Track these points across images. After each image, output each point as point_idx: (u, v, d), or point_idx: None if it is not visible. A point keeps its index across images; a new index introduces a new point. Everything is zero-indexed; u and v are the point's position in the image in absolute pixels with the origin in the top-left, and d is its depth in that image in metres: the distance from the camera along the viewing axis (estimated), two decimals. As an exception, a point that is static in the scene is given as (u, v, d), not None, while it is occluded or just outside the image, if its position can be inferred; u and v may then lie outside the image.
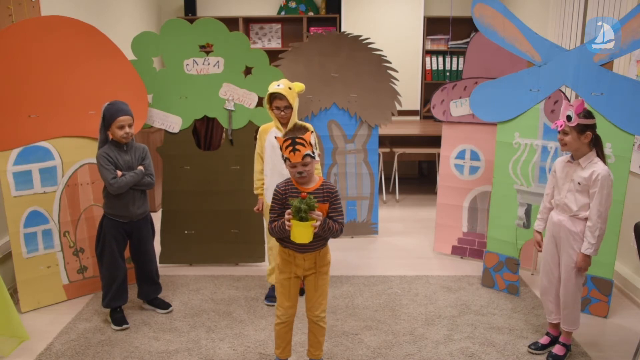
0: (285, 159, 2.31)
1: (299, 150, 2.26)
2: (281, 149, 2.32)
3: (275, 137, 2.35)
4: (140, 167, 3.02)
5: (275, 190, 2.39)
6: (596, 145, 2.57)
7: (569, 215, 2.62)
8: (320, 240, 2.40)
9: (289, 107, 3.08)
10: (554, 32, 4.72)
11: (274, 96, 3.07)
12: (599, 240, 2.54)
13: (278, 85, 3.04)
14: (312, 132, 2.41)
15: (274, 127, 3.15)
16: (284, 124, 3.14)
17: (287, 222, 2.26)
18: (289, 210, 2.26)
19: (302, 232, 2.24)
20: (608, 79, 2.96)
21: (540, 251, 2.82)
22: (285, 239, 2.38)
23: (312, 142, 2.32)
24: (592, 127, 2.54)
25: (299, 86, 3.14)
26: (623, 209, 3.02)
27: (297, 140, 2.26)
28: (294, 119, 3.13)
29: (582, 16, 4.30)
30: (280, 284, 2.46)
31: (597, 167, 2.52)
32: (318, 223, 2.24)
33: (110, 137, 2.97)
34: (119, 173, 2.92)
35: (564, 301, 2.66)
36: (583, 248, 2.55)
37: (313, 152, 2.30)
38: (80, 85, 3.31)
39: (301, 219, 2.22)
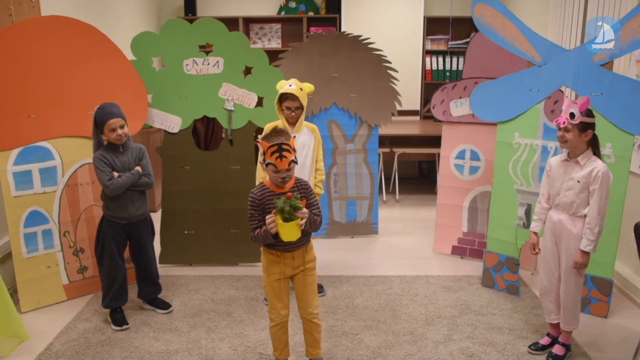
0: (268, 164, 2.27)
1: (286, 157, 2.25)
2: (264, 153, 2.28)
3: (258, 141, 2.33)
4: (137, 168, 3.02)
5: (250, 197, 2.35)
6: (593, 144, 2.58)
7: (569, 214, 2.63)
8: (306, 235, 2.40)
9: (300, 107, 3.10)
10: (554, 32, 4.72)
11: (286, 96, 3.08)
12: (597, 237, 2.54)
13: (290, 86, 3.05)
14: (294, 137, 2.41)
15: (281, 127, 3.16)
16: (292, 124, 3.16)
17: (270, 224, 2.24)
18: (269, 215, 2.25)
19: (289, 231, 2.24)
20: (608, 79, 2.96)
21: (536, 254, 2.81)
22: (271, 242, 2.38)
23: (295, 146, 2.34)
24: (593, 126, 2.55)
25: (308, 87, 3.16)
26: (623, 209, 3.02)
27: (284, 146, 2.25)
28: (302, 119, 3.15)
29: (582, 16, 4.30)
30: (270, 286, 2.45)
31: (597, 164, 2.53)
32: (304, 221, 2.24)
33: (105, 140, 2.97)
34: (115, 174, 2.92)
35: (564, 300, 2.66)
36: (582, 245, 2.56)
37: (295, 157, 2.31)
38: (80, 85, 3.31)
39: (285, 220, 2.22)
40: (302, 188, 2.38)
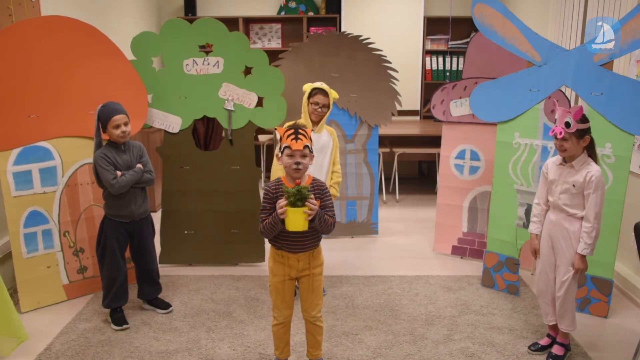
0: (285, 148, 2.30)
1: (301, 140, 2.28)
2: (280, 139, 2.32)
3: (275, 128, 2.39)
4: (139, 165, 3.02)
5: (265, 189, 2.39)
6: (589, 147, 2.58)
7: (567, 215, 2.63)
8: (313, 239, 2.40)
9: (327, 106, 3.18)
10: (554, 32, 4.72)
11: (317, 91, 3.16)
12: (595, 240, 2.55)
13: (321, 84, 3.18)
14: (312, 130, 2.43)
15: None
16: (315, 123, 3.19)
17: (279, 211, 2.23)
18: (280, 200, 2.25)
19: (296, 220, 2.23)
20: (608, 79, 2.96)
21: (537, 258, 2.81)
22: (278, 239, 2.37)
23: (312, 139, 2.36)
24: (589, 130, 2.55)
25: (334, 93, 3.24)
26: (623, 209, 3.02)
27: (300, 131, 2.30)
28: (324, 120, 3.22)
29: (582, 16, 4.30)
30: (274, 287, 2.45)
31: (591, 169, 2.53)
32: (312, 213, 2.23)
33: (105, 139, 2.97)
34: (119, 173, 2.92)
35: (560, 301, 2.65)
36: (579, 248, 2.56)
37: (311, 146, 2.33)
38: (80, 85, 3.31)
39: (294, 205, 2.21)
40: (318, 188, 2.38)
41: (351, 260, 4.02)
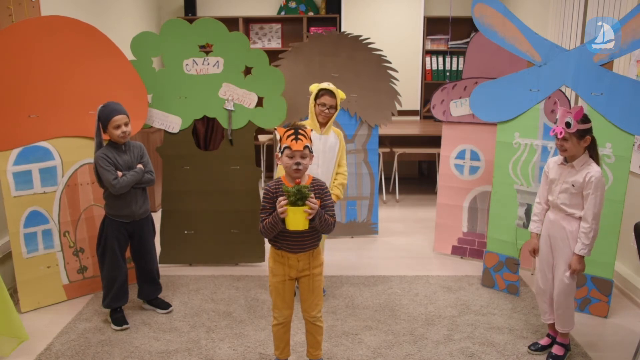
0: (285, 149, 2.30)
1: (301, 140, 2.28)
2: (280, 140, 2.32)
3: (275, 128, 2.38)
4: (140, 166, 3.02)
5: (265, 189, 2.38)
6: (590, 147, 2.58)
7: (565, 215, 2.63)
8: (313, 239, 2.40)
9: (334, 107, 3.14)
10: (554, 32, 4.72)
11: (324, 92, 3.12)
12: (592, 241, 2.54)
13: (328, 84, 3.14)
14: (311, 130, 2.42)
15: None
16: (323, 125, 3.17)
17: (279, 210, 2.22)
18: (281, 198, 2.25)
19: (296, 219, 2.23)
20: (608, 79, 2.96)
21: (535, 256, 2.81)
22: (278, 239, 2.37)
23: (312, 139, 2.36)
24: (590, 131, 2.54)
25: (342, 94, 3.21)
26: (623, 209, 3.02)
27: (300, 131, 2.30)
28: (332, 122, 3.18)
29: (582, 16, 4.30)
30: (274, 287, 2.45)
31: (591, 169, 2.53)
32: (312, 212, 2.23)
33: (106, 139, 2.97)
34: (120, 174, 2.92)
35: (557, 301, 2.65)
36: (577, 249, 2.56)
37: (311, 146, 2.33)
38: (80, 85, 3.31)
39: (294, 204, 2.21)
40: (318, 188, 2.38)
41: (351, 260, 4.02)
